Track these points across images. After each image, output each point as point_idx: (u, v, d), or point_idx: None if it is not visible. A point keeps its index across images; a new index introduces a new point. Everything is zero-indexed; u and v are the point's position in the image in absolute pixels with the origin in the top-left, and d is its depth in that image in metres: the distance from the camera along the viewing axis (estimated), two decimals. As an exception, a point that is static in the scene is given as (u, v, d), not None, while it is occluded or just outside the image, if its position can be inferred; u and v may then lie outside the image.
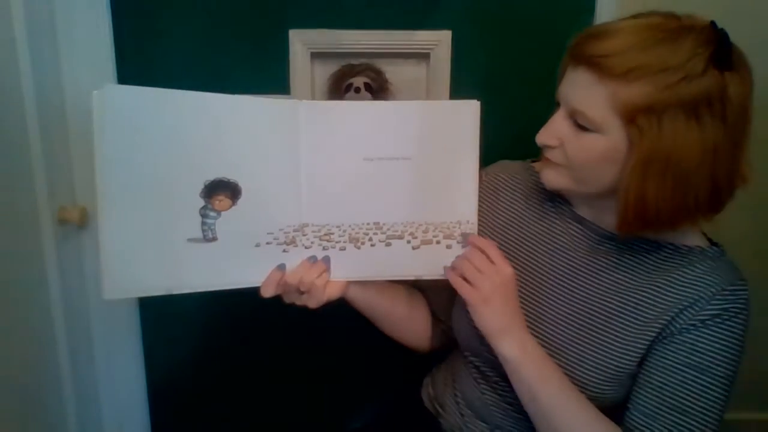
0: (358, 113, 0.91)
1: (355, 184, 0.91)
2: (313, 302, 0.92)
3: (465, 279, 0.87)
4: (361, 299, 0.99)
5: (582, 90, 0.79)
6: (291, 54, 1.32)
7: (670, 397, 0.81)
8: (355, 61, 1.35)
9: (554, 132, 0.84)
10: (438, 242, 0.92)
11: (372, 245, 0.92)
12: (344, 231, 0.92)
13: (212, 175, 0.85)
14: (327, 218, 0.92)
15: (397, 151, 0.90)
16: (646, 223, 0.80)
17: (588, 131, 0.80)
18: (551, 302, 0.93)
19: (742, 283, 0.83)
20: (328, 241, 0.92)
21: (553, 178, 0.88)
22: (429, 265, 0.93)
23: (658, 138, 0.74)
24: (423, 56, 1.36)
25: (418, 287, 1.11)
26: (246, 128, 0.87)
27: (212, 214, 0.87)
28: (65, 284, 1.32)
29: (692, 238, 0.88)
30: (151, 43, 1.31)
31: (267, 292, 0.90)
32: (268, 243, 0.90)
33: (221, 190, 0.86)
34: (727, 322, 0.81)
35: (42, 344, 1.29)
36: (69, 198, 1.35)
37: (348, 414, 1.20)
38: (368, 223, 0.92)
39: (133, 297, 0.85)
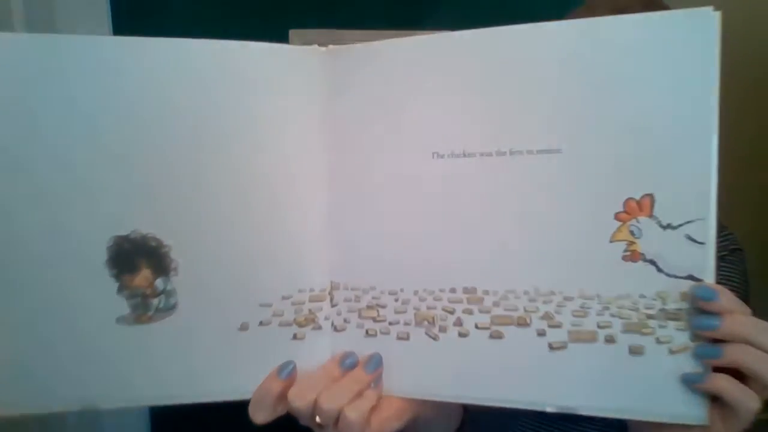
0: (443, 59, 0.44)
1: (426, 209, 0.45)
2: None
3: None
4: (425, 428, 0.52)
5: None
6: (291, 54, 1.17)
7: None
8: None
9: None
10: (610, 340, 0.42)
11: (461, 334, 0.44)
12: (406, 302, 0.45)
13: (126, 226, 0.45)
14: (372, 275, 0.46)
15: (526, 137, 0.42)
16: None
17: None
18: None
19: (727, 231, 0.68)
20: (375, 320, 0.46)
21: None
22: (587, 389, 0.42)
23: None
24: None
25: None
26: (221, 97, 0.45)
27: (135, 292, 0.43)
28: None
29: None
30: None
31: (258, 417, 0.47)
32: (262, 323, 0.46)
33: (137, 258, 0.43)
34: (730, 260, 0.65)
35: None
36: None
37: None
38: (454, 289, 0.44)
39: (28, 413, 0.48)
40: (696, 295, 0.39)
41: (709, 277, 0.39)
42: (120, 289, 0.44)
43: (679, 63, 0.39)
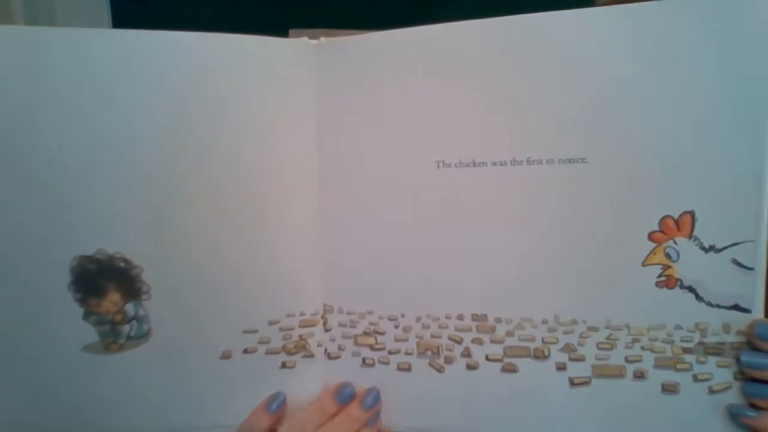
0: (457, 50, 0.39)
1: (430, 225, 0.39)
2: None
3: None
4: None
5: None
6: (291, 54, 1.15)
7: None
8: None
9: None
10: (640, 376, 0.36)
11: (470, 366, 0.39)
12: (408, 329, 0.40)
13: (91, 245, 0.39)
14: (370, 298, 0.41)
15: (545, 144, 0.36)
16: None
17: None
18: None
19: None
20: (372, 348, 0.41)
21: None
22: (613, 431, 0.37)
23: None
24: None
25: None
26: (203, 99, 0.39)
27: (103, 318, 0.38)
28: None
29: None
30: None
31: None
32: (247, 351, 0.40)
33: (104, 280, 0.38)
34: None
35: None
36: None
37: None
38: (461, 315, 0.39)
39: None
40: (755, 334, 0.33)
41: (758, 307, 0.34)
42: (86, 315, 0.39)
43: (730, 52, 0.33)
